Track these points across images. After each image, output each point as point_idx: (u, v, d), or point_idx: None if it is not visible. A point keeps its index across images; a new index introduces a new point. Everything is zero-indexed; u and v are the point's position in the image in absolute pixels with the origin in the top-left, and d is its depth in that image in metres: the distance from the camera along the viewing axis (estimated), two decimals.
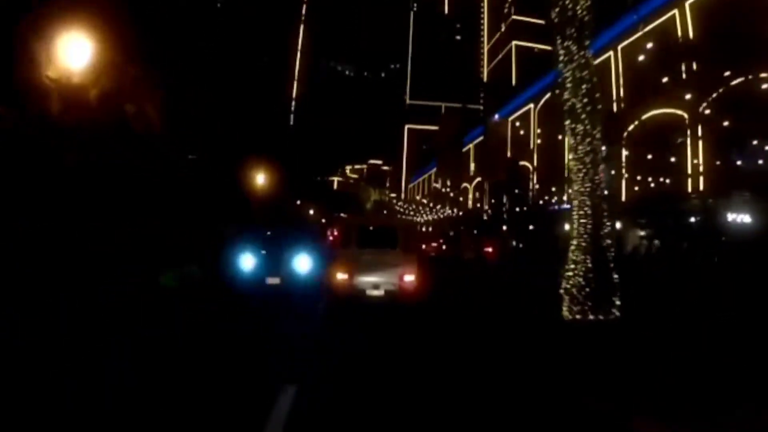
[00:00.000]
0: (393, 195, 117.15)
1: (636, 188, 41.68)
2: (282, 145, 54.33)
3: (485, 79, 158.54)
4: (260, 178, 30.20)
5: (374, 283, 12.08)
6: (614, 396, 5.41)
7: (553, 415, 5.17)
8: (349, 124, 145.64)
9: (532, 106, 58.79)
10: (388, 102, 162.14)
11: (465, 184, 71.04)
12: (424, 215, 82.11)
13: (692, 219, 34.40)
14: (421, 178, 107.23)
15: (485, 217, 59.33)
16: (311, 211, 62.79)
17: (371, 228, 13.63)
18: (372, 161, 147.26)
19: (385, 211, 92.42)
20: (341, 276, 12.12)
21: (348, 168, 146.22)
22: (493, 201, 58.65)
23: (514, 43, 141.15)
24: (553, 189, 49.44)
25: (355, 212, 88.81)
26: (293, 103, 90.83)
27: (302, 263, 15.19)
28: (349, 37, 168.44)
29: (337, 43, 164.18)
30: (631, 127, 40.45)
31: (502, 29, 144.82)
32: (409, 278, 12.08)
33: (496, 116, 52.63)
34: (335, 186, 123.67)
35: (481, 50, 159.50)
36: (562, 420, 5.03)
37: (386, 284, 12.06)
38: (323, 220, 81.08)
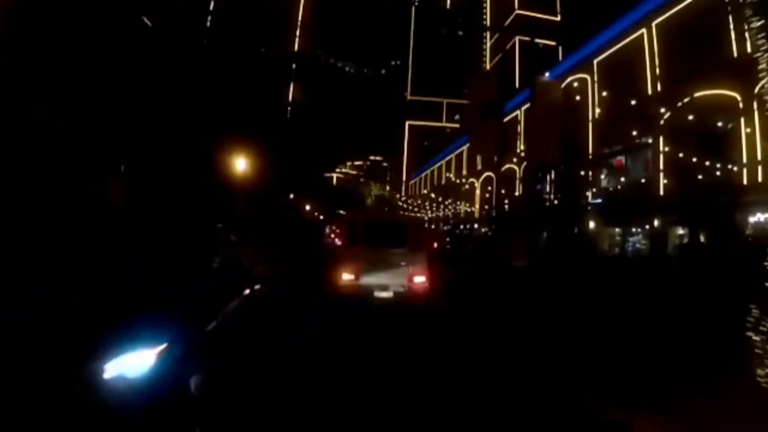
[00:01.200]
0: (395, 192, 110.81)
1: (677, 181, 36.29)
2: (277, 135, 48.48)
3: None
4: (242, 165, 24.44)
5: (382, 284, 11.29)
6: None
7: None
8: (349, 121, 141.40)
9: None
10: (389, 98, 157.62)
11: (489, 173, 65.17)
12: (430, 212, 76.10)
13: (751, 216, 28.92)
14: (423, 173, 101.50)
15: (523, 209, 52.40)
16: (307, 207, 57.13)
17: (378, 225, 12.68)
18: (372, 158, 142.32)
19: (386, 208, 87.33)
20: (347, 276, 11.30)
21: (348, 164, 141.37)
22: (542, 188, 52.03)
23: (517, 38, 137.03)
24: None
25: (355, 208, 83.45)
26: (290, 95, 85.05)
27: None
28: (350, 33, 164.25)
29: (337, 40, 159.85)
30: (668, 114, 35.19)
31: (506, 24, 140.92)
32: (419, 279, 11.41)
33: (547, 75, 45.58)
34: (334, 182, 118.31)
35: (483, 46, 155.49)
36: None
37: (395, 285, 11.32)
38: (321, 217, 75.84)
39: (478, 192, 68.44)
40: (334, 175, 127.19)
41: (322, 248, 45.35)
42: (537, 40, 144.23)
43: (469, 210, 68.68)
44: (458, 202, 70.64)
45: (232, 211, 24.48)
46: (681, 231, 36.50)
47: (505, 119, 64.08)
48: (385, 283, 11.47)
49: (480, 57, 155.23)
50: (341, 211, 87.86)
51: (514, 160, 58.02)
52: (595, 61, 46.37)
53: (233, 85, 36.02)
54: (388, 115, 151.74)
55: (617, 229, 44.35)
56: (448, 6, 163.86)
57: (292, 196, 48.73)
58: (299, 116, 67.87)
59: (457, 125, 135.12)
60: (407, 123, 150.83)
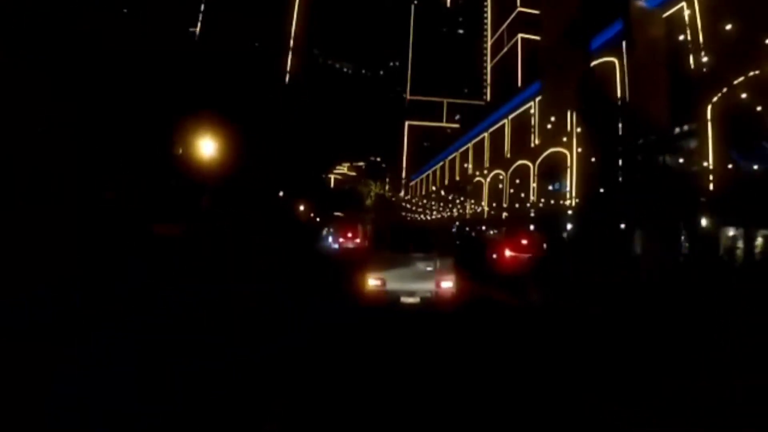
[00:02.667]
0: (397, 192, 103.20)
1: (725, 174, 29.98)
2: (268, 129, 42.26)
3: (489, 75, 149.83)
4: (208, 148, 18.22)
5: (409, 289, 11.07)
6: None
7: None
8: (346, 121, 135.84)
9: None
10: (388, 99, 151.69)
11: (498, 171, 58.76)
12: (435, 212, 69.54)
13: None
14: (424, 173, 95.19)
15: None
16: (301, 207, 50.90)
17: (405, 230, 13.22)
18: (371, 158, 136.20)
19: (388, 209, 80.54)
20: (374, 282, 11.07)
21: (346, 165, 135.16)
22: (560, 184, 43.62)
23: (520, 36, 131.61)
24: None
25: (354, 209, 77.00)
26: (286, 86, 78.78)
27: None
28: (348, 33, 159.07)
29: (335, 40, 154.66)
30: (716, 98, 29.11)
31: (507, 22, 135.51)
32: (447, 284, 11.17)
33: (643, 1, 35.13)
34: (332, 184, 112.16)
35: (484, 44, 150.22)
36: None
37: (422, 291, 11.10)
38: (317, 219, 69.59)
39: (486, 190, 62.33)
40: (332, 176, 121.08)
41: (317, 251, 40.92)
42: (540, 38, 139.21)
43: (477, 209, 62.61)
44: (466, 202, 64.46)
45: (194, 207, 18.39)
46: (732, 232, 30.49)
47: (519, 110, 58.11)
48: (412, 289, 11.22)
49: (480, 56, 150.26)
50: (338, 213, 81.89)
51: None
52: None
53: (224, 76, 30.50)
54: (387, 116, 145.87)
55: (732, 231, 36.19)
56: (448, 4, 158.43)
57: (281, 194, 42.48)
58: (293, 112, 61.91)
59: (457, 125, 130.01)
60: (406, 123, 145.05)
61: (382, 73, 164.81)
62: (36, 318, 7.91)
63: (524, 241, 29.21)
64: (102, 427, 4.40)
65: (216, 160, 18.77)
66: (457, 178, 73.37)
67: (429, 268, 11.23)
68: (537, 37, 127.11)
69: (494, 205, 59.51)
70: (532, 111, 53.20)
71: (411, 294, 11.11)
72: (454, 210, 65.92)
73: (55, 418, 4.49)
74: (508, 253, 27.95)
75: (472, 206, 65.19)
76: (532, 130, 52.82)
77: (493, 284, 18.12)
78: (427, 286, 11.14)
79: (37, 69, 14.13)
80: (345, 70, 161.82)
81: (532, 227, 47.12)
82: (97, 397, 4.95)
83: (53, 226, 12.98)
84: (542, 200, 49.37)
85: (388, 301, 10.99)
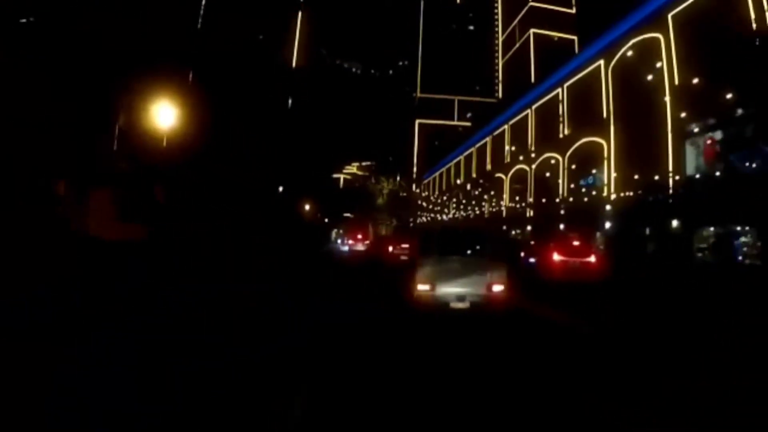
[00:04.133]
0: (413, 189, 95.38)
1: None
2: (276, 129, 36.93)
3: (500, 71, 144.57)
4: (167, 118, 12.72)
5: (459, 294, 10.60)
6: None
7: None
8: (355, 121, 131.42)
9: None
10: (397, 99, 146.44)
11: (521, 166, 52.81)
12: (456, 211, 63.21)
13: None
14: (438, 171, 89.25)
15: None
16: (306, 206, 45.55)
17: (455, 233, 12.71)
18: (380, 158, 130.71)
19: (403, 209, 74.54)
20: (423, 287, 10.63)
21: (355, 165, 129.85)
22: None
23: (532, 31, 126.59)
24: None
25: (364, 210, 71.47)
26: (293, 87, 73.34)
27: None
28: (356, 32, 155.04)
29: (343, 40, 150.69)
30: None
31: (519, 17, 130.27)
32: (498, 288, 10.61)
33: None
34: (341, 184, 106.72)
35: (495, 40, 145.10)
36: None
37: (472, 295, 10.58)
38: (325, 220, 64.35)
39: (507, 186, 56.44)
40: (341, 176, 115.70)
41: (326, 255, 36.02)
42: (553, 34, 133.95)
43: (497, 208, 56.70)
44: (485, 199, 58.52)
45: (150, 198, 13.03)
46: None
47: (544, 98, 52.10)
48: (462, 293, 10.63)
49: (492, 52, 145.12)
50: (348, 214, 76.50)
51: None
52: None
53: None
54: (397, 116, 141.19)
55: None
56: (458, 1, 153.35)
57: (281, 189, 36.97)
58: (295, 101, 56.44)
59: (469, 123, 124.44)
60: (417, 122, 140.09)
61: (391, 72, 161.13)
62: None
63: (576, 243, 23.69)
64: (102, 428, 4.34)
65: (178, 136, 13.33)
66: (474, 175, 67.53)
67: (480, 272, 10.76)
68: (550, 32, 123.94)
69: (518, 199, 53.55)
70: (560, 98, 47.33)
71: (461, 299, 10.67)
72: (476, 208, 59.90)
73: (55, 418, 4.41)
74: (556, 257, 22.34)
75: (492, 205, 59.34)
76: (560, 119, 46.98)
77: (538, 295, 15.14)
78: (477, 291, 10.68)
79: None
80: (354, 70, 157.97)
81: (562, 226, 41.48)
82: (96, 397, 4.92)
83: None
84: (571, 196, 43.58)
85: (437, 306, 10.64)
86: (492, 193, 57.76)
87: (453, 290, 10.73)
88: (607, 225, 38.39)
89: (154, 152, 13.13)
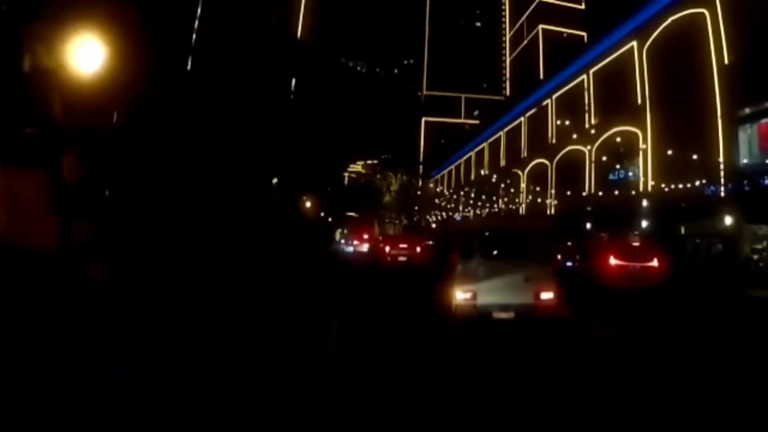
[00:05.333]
0: (423, 185, 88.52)
1: None
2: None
3: (508, 68, 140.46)
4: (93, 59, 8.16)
5: (503, 303, 9.48)
6: None
7: None
8: (360, 120, 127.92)
9: None
10: (403, 98, 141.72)
11: (541, 160, 48.25)
12: (472, 208, 58.11)
13: None
14: (446, 169, 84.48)
15: None
16: (308, 204, 41.20)
17: (498, 233, 10.72)
18: (385, 156, 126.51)
19: (416, 207, 69.33)
20: (463, 296, 9.46)
21: (360, 164, 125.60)
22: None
23: (541, 27, 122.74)
24: None
25: (370, 208, 67.03)
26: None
27: None
28: (362, 31, 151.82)
29: (347, 38, 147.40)
30: None
31: (527, 13, 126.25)
32: (547, 296, 9.49)
33: None
34: (345, 182, 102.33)
35: (503, 37, 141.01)
36: None
37: (518, 305, 9.45)
38: (329, 219, 60.16)
39: (524, 183, 51.86)
40: (346, 175, 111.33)
41: (331, 256, 32.07)
42: (562, 30, 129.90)
43: (513, 206, 52.03)
44: (498, 197, 53.84)
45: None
46: None
47: (566, 87, 47.26)
48: (507, 303, 9.50)
49: (499, 49, 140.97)
50: (352, 213, 72.04)
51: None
52: None
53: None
54: (402, 115, 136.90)
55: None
56: None
57: (275, 180, 32.46)
58: (304, 112, 51.64)
59: (476, 121, 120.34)
60: (423, 120, 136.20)
61: (396, 71, 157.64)
62: None
63: (635, 244, 19.36)
64: (102, 428, 4.28)
65: (113, 81, 8.97)
66: (485, 172, 63.02)
67: (526, 278, 9.45)
68: (559, 28, 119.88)
69: (537, 190, 48.92)
70: (585, 85, 42.78)
71: (505, 308, 9.47)
72: (494, 205, 55.19)
73: (55, 418, 4.34)
74: (613, 261, 17.99)
75: (505, 202, 54.77)
76: (586, 109, 42.43)
77: (591, 305, 13.13)
78: (523, 299, 9.44)
79: None
80: (359, 68, 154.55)
81: (588, 225, 37.02)
82: (96, 397, 4.83)
83: None
84: (600, 191, 38.98)
85: (478, 317, 9.44)
86: (511, 189, 53.13)
87: (497, 299, 9.58)
88: (644, 223, 33.85)
89: (83, 111, 8.73)
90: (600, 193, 38.18)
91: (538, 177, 48.68)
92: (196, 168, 19.25)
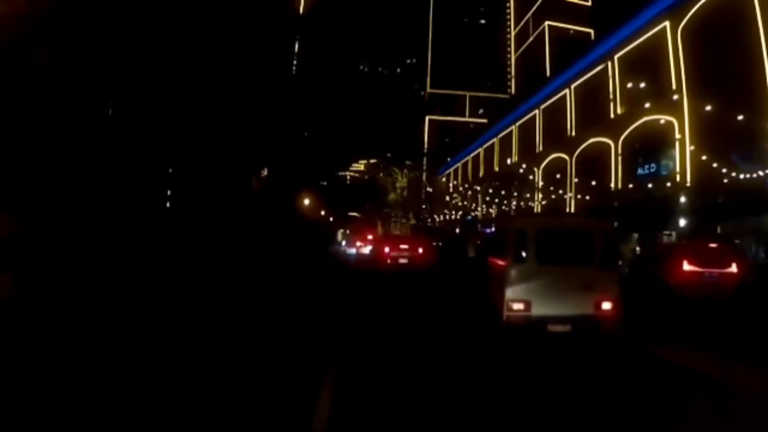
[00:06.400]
0: (436, 180, 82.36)
1: None
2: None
3: (513, 66, 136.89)
4: None
5: (560, 315, 8.40)
6: None
7: None
8: (363, 119, 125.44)
9: None
10: (406, 98, 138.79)
11: (558, 155, 44.16)
12: (486, 206, 53.75)
13: None
14: (453, 167, 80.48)
15: None
16: (306, 201, 37.43)
17: (557, 234, 9.24)
18: (389, 155, 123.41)
19: (425, 206, 64.76)
20: (517, 306, 8.47)
21: (363, 163, 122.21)
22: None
23: (547, 23, 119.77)
24: None
25: (374, 207, 63.24)
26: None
27: None
28: (364, 30, 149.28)
29: (350, 37, 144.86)
30: None
31: (532, 10, 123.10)
32: (607, 306, 8.47)
33: None
34: (348, 181, 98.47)
35: (507, 34, 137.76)
36: None
37: (575, 317, 8.40)
38: (330, 218, 56.54)
39: (539, 179, 47.87)
40: (348, 174, 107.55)
41: (331, 259, 28.07)
42: (569, 26, 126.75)
43: (527, 204, 48.02)
44: (512, 195, 49.78)
45: None
46: None
47: (587, 74, 43.15)
48: (564, 314, 8.42)
49: (504, 47, 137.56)
50: (354, 214, 68.33)
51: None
52: None
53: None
54: (406, 115, 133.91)
55: None
56: None
57: (265, 172, 28.47)
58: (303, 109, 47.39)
59: (481, 119, 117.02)
60: (427, 118, 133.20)
61: (399, 70, 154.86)
62: None
63: (711, 246, 15.60)
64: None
65: None
66: (496, 169, 59.10)
67: (586, 285, 8.49)
68: (565, 25, 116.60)
69: (552, 186, 44.92)
70: (609, 72, 38.84)
71: (562, 320, 8.43)
72: (511, 203, 51.14)
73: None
74: (686, 267, 14.20)
75: (515, 199, 50.85)
76: (611, 97, 38.48)
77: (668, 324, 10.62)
78: (583, 310, 8.43)
79: None
80: (361, 67, 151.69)
81: (616, 224, 33.11)
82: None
83: None
84: (630, 186, 35.03)
85: (532, 329, 8.48)
86: (520, 186, 49.16)
87: (554, 310, 8.51)
88: (682, 222, 29.98)
89: None
90: (630, 185, 34.20)
91: (555, 173, 44.71)
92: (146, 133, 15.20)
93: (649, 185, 32.60)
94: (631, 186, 34.38)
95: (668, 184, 31.08)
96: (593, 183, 38.08)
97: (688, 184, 29.97)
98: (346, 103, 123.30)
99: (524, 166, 45.95)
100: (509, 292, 8.53)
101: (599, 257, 8.72)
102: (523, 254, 8.86)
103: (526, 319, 8.48)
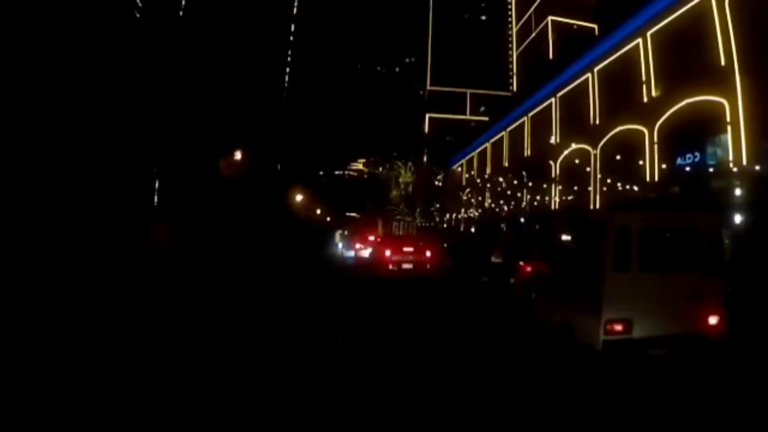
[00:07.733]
0: (449, 175, 74.50)
1: None
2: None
3: (515, 64, 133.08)
4: None
5: (661, 335, 6.80)
6: None
7: None
8: (362, 119, 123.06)
9: None
10: (405, 97, 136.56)
11: (581, 146, 39.26)
12: (496, 205, 48.74)
13: None
14: (457, 164, 75.83)
15: None
16: (298, 197, 33.00)
17: (662, 231, 7.53)
18: (395, 154, 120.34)
19: (437, 205, 59.18)
20: (617, 327, 6.67)
21: (362, 162, 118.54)
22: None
23: (550, 18, 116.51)
24: None
25: (374, 206, 58.65)
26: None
27: None
28: (363, 29, 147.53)
29: (348, 37, 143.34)
30: None
31: (535, 5, 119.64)
32: (714, 320, 6.98)
33: None
34: (346, 178, 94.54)
35: (509, 30, 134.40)
36: None
37: (677, 337, 6.83)
38: (328, 219, 52.12)
39: (557, 173, 43.26)
40: (346, 173, 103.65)
41: (330, 263, 25.45)
42: (573, 22, 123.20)
43: (542, 199, 43.37)
44: (526, 190, 45.04)
45: None
46: None
47: (608, 59, 38.50)
48: (664, 334, 6.74)
49: (505, 43, 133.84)
50: (353, 214, 63.94)
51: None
52: None
53: None
54: (405, 114, 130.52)
55: None
56: None
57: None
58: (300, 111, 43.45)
59: (482, 117, 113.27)
60: (427, 116, 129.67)
61: (398, 70, 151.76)
62: None
63: None
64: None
65: None
66: (506, 164, 54.49)
67: (691, 297, 6.92)
68: (569, 20, 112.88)
69: (574, 180, 40.24)
70: (641, 51, 34.21)
71: (662, 342, 6.76)
72: (531, 200, 46.39)
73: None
74: None
75: (530, 195, 46.27)
76: (643, 80, 33.85)
77: None
78: (685, 328, 6.81)
79: None
80: (359, 67, 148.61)
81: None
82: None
83: None
84: (669, 179, 30.38)
85: (630, 355, 6.75)
86: (536, 181, 44.53)
87: (656, 330, 6.81)
88: (737, 218, 25.41)
89: None
90: (672, 177, 29.56)
91: (576, 165, 40.09)
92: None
93: (699, 175, 27.90)
94: (672, 176, 29.73)
95: (722, 174, 26.42)
96: (619, 178, 33.42)
97: (758, 169, 24.99)
98: (343, 101, 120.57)
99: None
100: (608, 310, 6.76)
101: (706, 260, 7.26)
102: (626, 259, 7.01)
103: (626, 344, 6.85)
